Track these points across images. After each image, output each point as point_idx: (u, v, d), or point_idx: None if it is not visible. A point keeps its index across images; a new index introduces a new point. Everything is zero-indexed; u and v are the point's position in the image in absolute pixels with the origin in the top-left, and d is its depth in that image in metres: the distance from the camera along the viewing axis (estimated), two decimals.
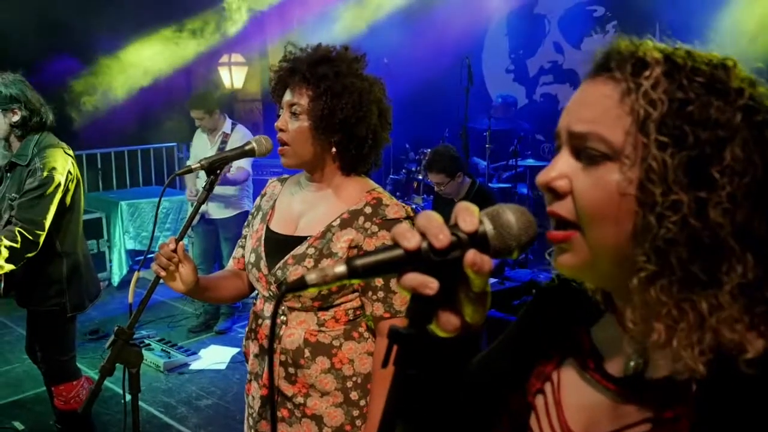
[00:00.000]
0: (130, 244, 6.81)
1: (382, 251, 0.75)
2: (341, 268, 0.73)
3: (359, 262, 0.74)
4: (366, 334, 1.96)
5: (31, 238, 3.03)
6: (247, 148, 1.95)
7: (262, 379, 1.98)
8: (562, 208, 0.81)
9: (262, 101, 9.36)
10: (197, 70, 7.80)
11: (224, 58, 8.47)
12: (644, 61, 0.78)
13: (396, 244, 0.75)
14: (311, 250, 1.91)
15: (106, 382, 1.78)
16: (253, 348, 2.04)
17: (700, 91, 0.75)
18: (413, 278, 0.74)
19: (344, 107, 1.86)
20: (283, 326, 1.94)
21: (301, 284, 0.74)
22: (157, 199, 5.88)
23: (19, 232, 2.99)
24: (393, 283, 1.88)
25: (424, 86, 7.40)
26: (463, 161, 4.86)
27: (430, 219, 0.75)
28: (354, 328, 1.95)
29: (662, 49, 0.79)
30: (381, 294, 1.88)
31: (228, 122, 5.66)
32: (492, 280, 4.61)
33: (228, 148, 5.35)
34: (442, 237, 0.74)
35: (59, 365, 3.38)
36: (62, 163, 3.16)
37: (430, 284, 0.74)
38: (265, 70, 8.39)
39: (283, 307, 1.95)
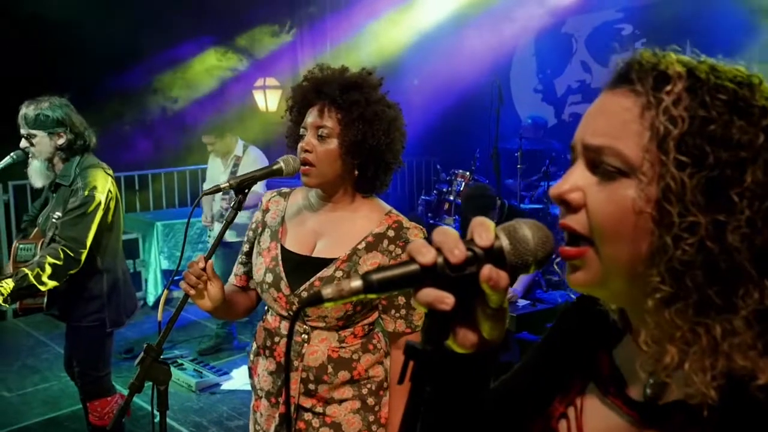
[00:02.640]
0: (165, 264, 6.88)
1: (398, 266, 0.74)
2: (357, 283, 0.73)
3: (375, 277, 0.73)
4: (378, 345, 2.02)
5: (73, 255, 3.11)
6: (274, 167, 1.95)
7: (282, 396, 1.98)
8: (576, 222, 0.80)
9: None
10: (232, 92, 7.90)
11: (259, 82, 8.58)
12: (666, 75, 0.75)
13: (412, 259, 0.74)
14: (339, 273, 1.92)
15: (139, 400, 1.80)
16: (268, 365, 2.03)
17: (723, 109, 0.72)
18: (429, 294, 0.73)
19: (375, 134, 1.88)
20: (305, 344, 1.95)
21: (317, 299, 0.74)
22: (191, 219, 5.93)
23: (62, 249, 3.08)
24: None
25: (454, 107, 7.40)
26: (493, 189, 4.83)
27: (446, 234, 0.74)
28: (369, 340, 2.01)
29: (685, 63, 0.77)
30: (403, 311, 1.93)
31: (240, 144, 5.61)
32: (524, 302, 4.58)
33: (240, 171, 5.32)
34: (457, 252, 0.73)
35: (95, 381, 3.43)
36: (102, 183, 3.25)
37: (445, 300, 0.73)
38: None
39: (305, 326, 1.96)
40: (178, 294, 5.92)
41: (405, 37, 7.68)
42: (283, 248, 2.02)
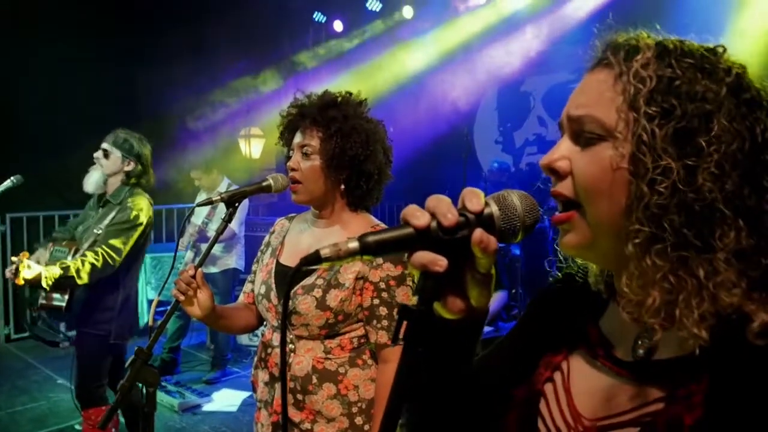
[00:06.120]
0: (152, 294, 6.69)
1: (394, 229, 0.72)
2: (354, 244, 0.71)
3: (371, 238, 0.71)
4: (369, 362, 1.90)
5: (110, 261, 3.20)
6: (264, 184, 1.93)
7: (272, 406, 1.90)
8: (564, 188, 0.79)
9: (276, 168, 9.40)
10: (221, 133, 7.85)
11: (243, 131, 8.54)
12: (637, 47, 0.77)
13: (406, 223, 0.72)
14: (320, 281, 1.86)
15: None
16: (263, 376, 1.96)
17: (689, 69, 0.73)
18: (423, 256, 0.71)
19: (353, 146, 1.86)
20: (292, 354, 1.88)
21: (316, 258, 0.71)
22: (176, 253, 5.84)
23: (102, 253, 3.18)
24: (396, 312, 1.83)
25: (425, 154, 7.48)
26: None
27: (439, 200, 0.73)
28: (358, 355, 1.89)
29: (654, 38, 0.78)
30: (385, 323, 1.83)
31: (224, 182, 5.57)
32: (487, 329, 4.54)
33: (219, 208, 5.24)
34: (450, 216, 0.71)
35: (91, 390, 3.39)
36: (147, 209, 3.40)
37: (439, 262, 0.71)
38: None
39: (291, 336, 1.89)
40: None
41: (379, 90, 7.78)
42: (277, 263, 1.99)
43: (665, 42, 0.77)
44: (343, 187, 1.92)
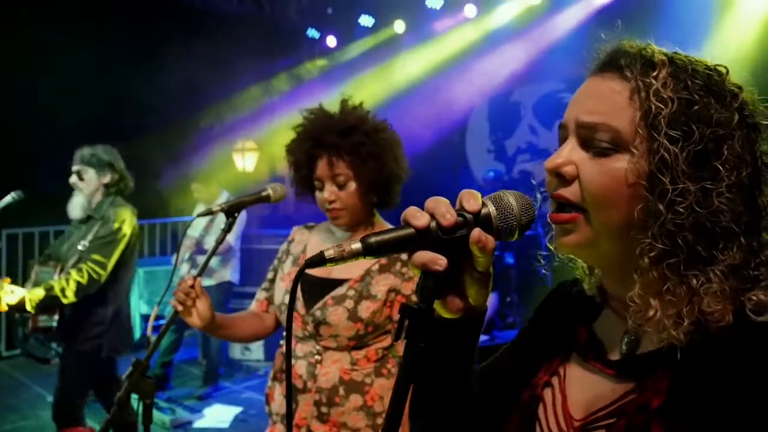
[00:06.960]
0: (145, 309, 6.66)
1: (395, 230, 0.75)
2: (357, 245, 0.73)
3: (373, 239, 0.74)
4: (394, 371, 1.92)
5: (95, 276, 3.19)
6: (263, 194, 1.93)
7: (294, 419, 1.88)
8: (569, 192, 0.81)
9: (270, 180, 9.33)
10: (217, 145, 7.83)
11: (238, 144, 8.54)
12: (652, 62, 0.79)
13: (407, 224, 0.75)
14: (351, 292, 1.87)
15: None
16: (284, 390, 1.94)
17: (702, 92, 0.76)
18: (423, 255, 0.74)
19: (387, 164, 1.89)
20: (318, 365, 1.88)
21: (320, 259, 0.74)
22: (170, 267, 5.81)
23: (87, 270, 3.17)
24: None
25: (419, 163, 7.49)
26: None
27: (438, 201, 0.76)
28: (383, 365, 1.91)
29: (665, 52, 0.81)
30: None
31: (224, 195, 5.57)
32: (484, 337, 4.57)
33: (216, 221, 5.28)
34: (449, 216, 0.74)
35: (71, 409, 3.34)
36: (130, 219, 3.40)
37: (439, 261, 0.73)
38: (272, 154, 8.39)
39: (318, 347, 1.90)
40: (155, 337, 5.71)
41: (369, 102, 7.81)
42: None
43: (676, 59, 0.79)
44: (375, 199, 1.96)
